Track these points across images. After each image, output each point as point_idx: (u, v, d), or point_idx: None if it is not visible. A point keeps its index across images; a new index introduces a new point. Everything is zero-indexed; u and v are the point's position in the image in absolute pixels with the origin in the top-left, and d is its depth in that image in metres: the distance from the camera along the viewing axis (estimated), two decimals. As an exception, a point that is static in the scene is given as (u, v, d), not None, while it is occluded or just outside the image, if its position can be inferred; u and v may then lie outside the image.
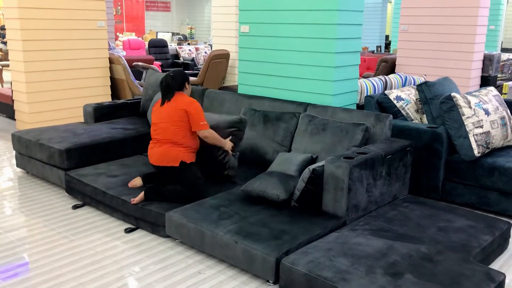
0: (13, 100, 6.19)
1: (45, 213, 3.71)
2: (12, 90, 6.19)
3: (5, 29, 13.54)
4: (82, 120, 5.93)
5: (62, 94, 6.11)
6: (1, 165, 4.91)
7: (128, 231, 3.40)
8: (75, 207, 3.82)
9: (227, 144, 3.70)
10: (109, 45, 8.38)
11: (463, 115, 3.82)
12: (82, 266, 2.93)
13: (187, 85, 3.79)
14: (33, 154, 4.34)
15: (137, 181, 3.65)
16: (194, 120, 3.58)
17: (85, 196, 3.82)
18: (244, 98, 4.52)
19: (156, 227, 3.31)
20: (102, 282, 2.76)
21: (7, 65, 9.24)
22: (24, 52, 5.68)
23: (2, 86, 9.86)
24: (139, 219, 3.39)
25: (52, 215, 3.68)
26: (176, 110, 3.58)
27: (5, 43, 12.22)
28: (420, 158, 3.97)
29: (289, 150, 3.92)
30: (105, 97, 6.57)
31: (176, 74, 3.72)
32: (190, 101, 3.63)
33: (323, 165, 3.14)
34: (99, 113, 5.01)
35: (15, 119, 6.27)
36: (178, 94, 3.66)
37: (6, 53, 10.94)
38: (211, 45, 11.82)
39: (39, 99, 5.89)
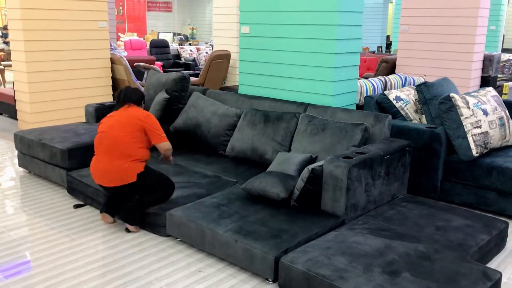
0: (15, 100, 6.23)
1: (47, 212, 3.74)
2: (14, 90, 6.23)
3: (7, 29, 13.56)
4: (84, 120, 5.97)
5: (64, 94, 6.15)
6: (4, 165, 4.95)
7: (128, 230, 3.43)
8: (77, 206, 3.85)
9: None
10: (111, 46, 8.41)
11: (462, 115, 3.85)
12: (83, 265, 2.97)
13: (142, 104, 3.62)
14: (35, 154, 4.38)
15: (108, 219, 3.48)
16: (154, 133, 3.40)
17: (86, 197, 3.85)
18: (245, 99, 4.55)
19: (157, 227, 3.34)
20: (103, 280, 2.79)
21: (10, 65, 9.29)
22: (26, 53, 5.72)
23: (4, 86, 9.90)
24: (140, 218, 3.42)
25: (53, 214, 3.72)
26: (131, 118, 3.37)
27: (7, 43, 12.27)
28: (419, 158, 4.00)
29: (289, 150, 3.95)
30: (107, 97, 6.61)
31: (135, 90, 3.60)
32: (147, 113, 3.46)
33: (322, 165, 3.17)
34: (101, 113, 5.03)
35: (17, 119, 6.31)
36: (133, 106, 3.49)
37: (8, 53, 10.99)
38: (212, 46, 11.85)
39: (41, 99, 5.93)
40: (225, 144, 4.33)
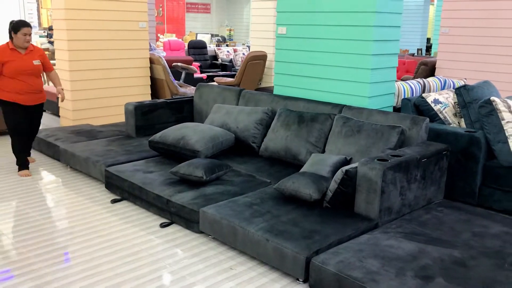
0: (57, 98, 6.44)
1: (86, 206, 3.87)
2: (57, 88, 6.45)
3: (52, 30, 14.03)
4: (123, 118, 6.13)
5: (104, 92, 6.32)
6: (46, 160, 5.13)
7: (163, 225, 3.51)
8: (114, 201, 3.96)
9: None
10: (150, 46, 8.59)
11: (503, 119, 3.74)
12: (119, 258, 3.05)
13: (12, 34, 4.33)
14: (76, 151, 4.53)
15: (27, 172, 4.53)
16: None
17: (123, 191, 3.95)
18: (279, 99, 4.56)
19: (190, 223, 3.39)
20: (138, 274, 2.86)
21: (54, 65, 9.62)
22: (69, 52, 5.92)
23: (48, 84, 10.25)
24: (174, 214, 3.49)
25: (92, 208, 3.83)
26: None
27: (51, 43, 12.71)
28: (457, 162, 3.91)
29: (323, 152, 3.94)
30: (145, 96, 6.75)
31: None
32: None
33: (356, 167, 3.15)
34: (140, 111, 5.15)
35: (59, 116, 6.53)
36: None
37: (52, 53, 11.38)
38: (249, 47, 11.92)
39: (82, 97, 6.12)
40: (255, 136, 4.36)
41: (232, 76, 9.81)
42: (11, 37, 4.34)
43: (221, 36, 17.93)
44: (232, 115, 4.57)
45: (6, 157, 5.11)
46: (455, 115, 4.34)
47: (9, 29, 4.32)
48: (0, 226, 3.48)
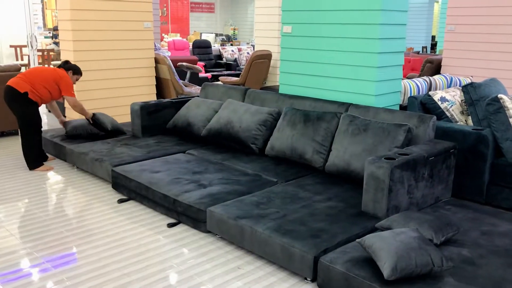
0: (63, 98, 6.45)
1: (93, 206, 3.87)
2: (63, 89, 6.47)
3: (57, 30, 14.09)
4: (129, 118, 6.14)
5: (110, 92, 6.33)
6: (52, 160, 5.14)
7: (170, 225, 3.51)
8: (121, 201, 3.97)
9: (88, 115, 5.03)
10: (155, 46, 8.60)
11: (511, 117, 3.71)
12: (126, 258, 3.05)
13: (71, 73, 4.85)
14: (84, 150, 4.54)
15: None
16: (64, 88, 4.73)
17: (130, 191, 3.96)
18: (285, 98, 4.55)
19: (197, 223, 3.39)
20: (145, 273, 2.87)
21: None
22: (75, 52, 5.93)
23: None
24: (181, 214, 3.49)
25: (98, 208, 3.84)
26: (52, 74, 4.68)
27: (56, 43, 12.76)
28: (465, 160, 3.89)
29: (330, 150, 3.92)
30: (151, 96, 6.76)
31: (70, 64, 4.94)
32: (63, 75, 4.73)
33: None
34: (146, 111, 5.15)
35: (65, 116, 6.54)
36: (62, 70, 4.78)
37: (57, 53, 11.42)
38: (253, 46, 11.91)
39: (87, 97, 6.13)
40: (256, 137, 4.35)
41: (237, 75, 9.80)
42: (64, 68, 4.84)
43: (226, 35, 17.93)
44: (238, 113, 4.56)
45: (12, 157, 5.13)
46: (462, 113, 4.32)
47: (70, 66, 4.89)
48: (7, 226, 3.50)
